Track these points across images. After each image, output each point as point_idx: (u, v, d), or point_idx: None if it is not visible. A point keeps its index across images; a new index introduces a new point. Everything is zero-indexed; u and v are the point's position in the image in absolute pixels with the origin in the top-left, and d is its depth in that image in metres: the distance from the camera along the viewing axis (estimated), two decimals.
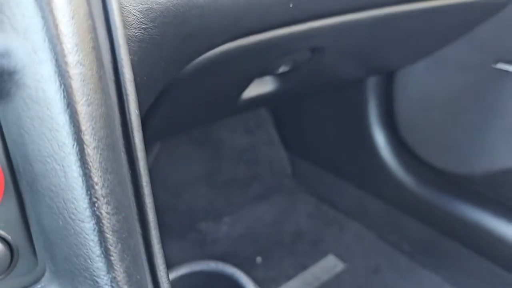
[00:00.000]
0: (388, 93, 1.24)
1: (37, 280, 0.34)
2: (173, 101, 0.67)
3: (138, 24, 0.43)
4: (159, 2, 0.44)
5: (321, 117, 1.41)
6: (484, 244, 1.11)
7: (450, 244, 1.19)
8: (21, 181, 0.32)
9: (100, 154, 0.32)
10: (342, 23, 0.69)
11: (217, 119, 1.27)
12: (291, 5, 0.57)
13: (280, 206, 1.53)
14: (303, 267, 1.31)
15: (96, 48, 0.32)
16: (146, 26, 0.44)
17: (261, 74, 0.76)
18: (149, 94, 0.53)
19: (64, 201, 0.31)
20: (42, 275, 0.34)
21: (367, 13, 0.72)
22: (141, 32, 0.44)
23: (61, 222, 0.32)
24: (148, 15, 0.44)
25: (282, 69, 0.77)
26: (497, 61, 1.02)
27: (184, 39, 0.49)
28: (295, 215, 1.50)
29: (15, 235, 0.33)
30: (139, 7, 0.43)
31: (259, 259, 1.33)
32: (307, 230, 1.44)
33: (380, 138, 1.26)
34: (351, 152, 1.37)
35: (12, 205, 0.32)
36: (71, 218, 0.31)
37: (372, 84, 1.23)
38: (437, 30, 0.96)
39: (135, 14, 0.43)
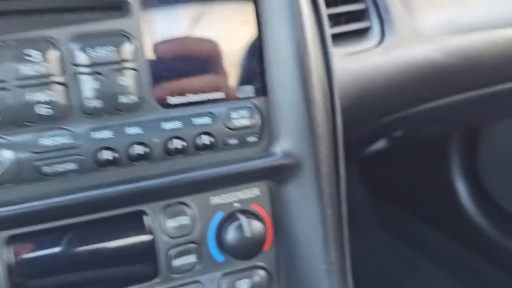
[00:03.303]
0: (472, 146, 1.32)
1: None
2: None
3: None
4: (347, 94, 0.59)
5: (404, 162, 1.49)
6: None
7: None
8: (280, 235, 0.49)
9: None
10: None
11: None
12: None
13: (356, 242, 1.60)
14: None
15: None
16: None
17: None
18: None
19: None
20: None
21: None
22: None
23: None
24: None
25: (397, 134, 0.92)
26: None
27: (355, 123, 0.64)
28: (372, 252, 1.57)
29: (273, 269, 0.51)
30: None
31: None
32: (383, 267, 1.51)
33: (461, 187, 1.34)
34: (432, 197, 1.44)
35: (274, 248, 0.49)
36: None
37: (456, 138, 1.32)
38: None
39: None
